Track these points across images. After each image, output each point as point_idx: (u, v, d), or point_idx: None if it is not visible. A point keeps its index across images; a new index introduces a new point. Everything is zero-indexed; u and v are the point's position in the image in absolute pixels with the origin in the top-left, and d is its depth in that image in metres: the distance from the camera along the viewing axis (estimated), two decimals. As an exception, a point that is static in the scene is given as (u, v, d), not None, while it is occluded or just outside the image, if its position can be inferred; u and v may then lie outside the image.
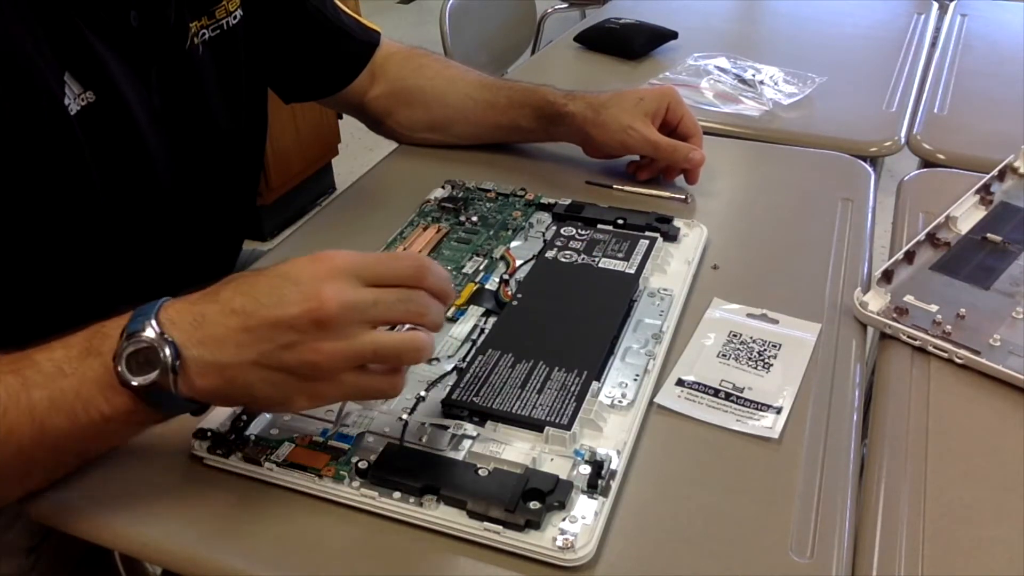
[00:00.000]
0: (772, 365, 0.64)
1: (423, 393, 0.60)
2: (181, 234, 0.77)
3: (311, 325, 0.47)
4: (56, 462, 0.51)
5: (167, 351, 0.47)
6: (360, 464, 0.53)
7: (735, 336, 0.67)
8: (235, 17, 0.77)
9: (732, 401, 0.60)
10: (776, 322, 0.68)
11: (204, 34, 0.74)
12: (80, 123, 0.63)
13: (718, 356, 0.65)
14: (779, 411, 0.59)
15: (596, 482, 0.52)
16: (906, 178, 0.92)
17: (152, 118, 0.70)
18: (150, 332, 0.47)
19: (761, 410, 0.60)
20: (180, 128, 0.73)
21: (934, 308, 0.68)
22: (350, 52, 0.91)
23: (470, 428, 0.57)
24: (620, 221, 0.79)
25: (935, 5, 1.45)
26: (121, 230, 0.70)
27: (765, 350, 0.65)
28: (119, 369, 0.47)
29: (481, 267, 0.74)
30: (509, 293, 0.70)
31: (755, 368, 0.63)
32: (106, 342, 0.49)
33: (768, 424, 0.58)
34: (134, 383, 0.47)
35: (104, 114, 0.65)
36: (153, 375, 0.47)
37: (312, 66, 0.89)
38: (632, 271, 0.72)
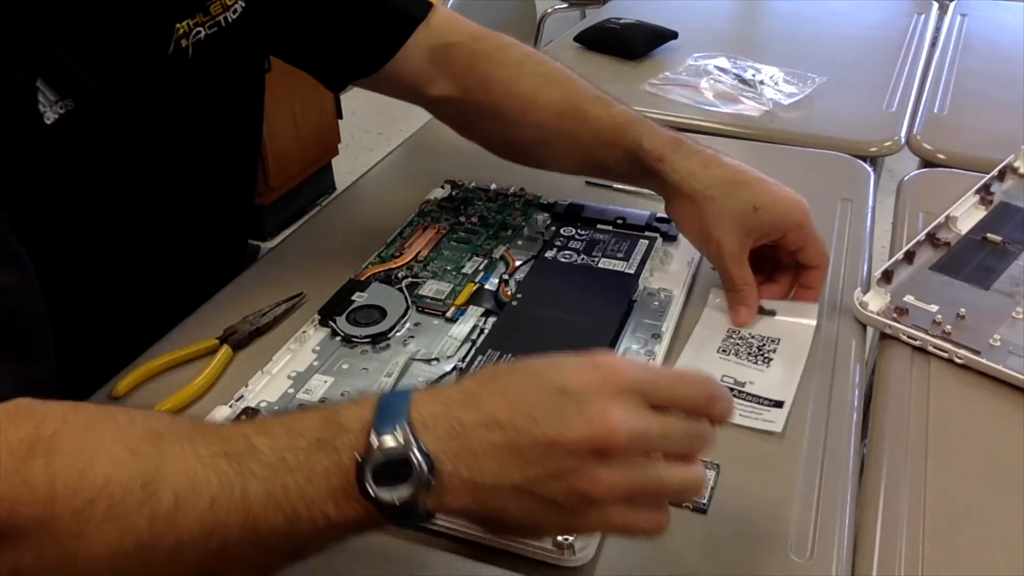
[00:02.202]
0: (772, 359, 0.64)
1: (423, 393, 0.60)
2: (176, 237, 0.75)
3: (592, 453, 0.39)
4: (264, 564, 0.43)
5: (424, 465, 0.39)
6: (360, 464, 0.53)
7: (734, 332, 0.67)
8: (235, 11, 0.71)
9: (735, 396, 0.60)
10: (773, 313, 0.68)
11: (199, 33, 0.69)
12: (59, 132, 0.61)
13: (718, 352, 0.65)
14: (781, 405, 0.59)
15: (596, 482, 0.52)
16: (906, 178, 0.92)
17: (132, 126, 0.67)
18: (402, 439, 0.39)
19: (764, 405, 0.60)
20: (164, 134, 0.70)
21: (934, 308, 0.68)
22: (380, 25, 0.77)
23: (470, 428, 0.57)
24: (620, 221, 0.79)
25: (935, 5, 1.45)
26: (111, 238, 0.68)
27: (764, 345, 0.65)
28: (366, 480, 0.39)
29: (481, 267, 0.74)
30: (509, 293, 0.70)
31: (755, 363, 0.63)
32: (343, 436, 0.41)
33: (772, 419, 0.58)
34: (382, 497, 0.39)
35: (83, 123, 0.62)
36: (406, 493, 0.39)
37: (336, 43, 0.77)
38: (632, 271, 0.72)
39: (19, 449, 0.40)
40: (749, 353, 0.64)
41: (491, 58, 0.79)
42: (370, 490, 0.39)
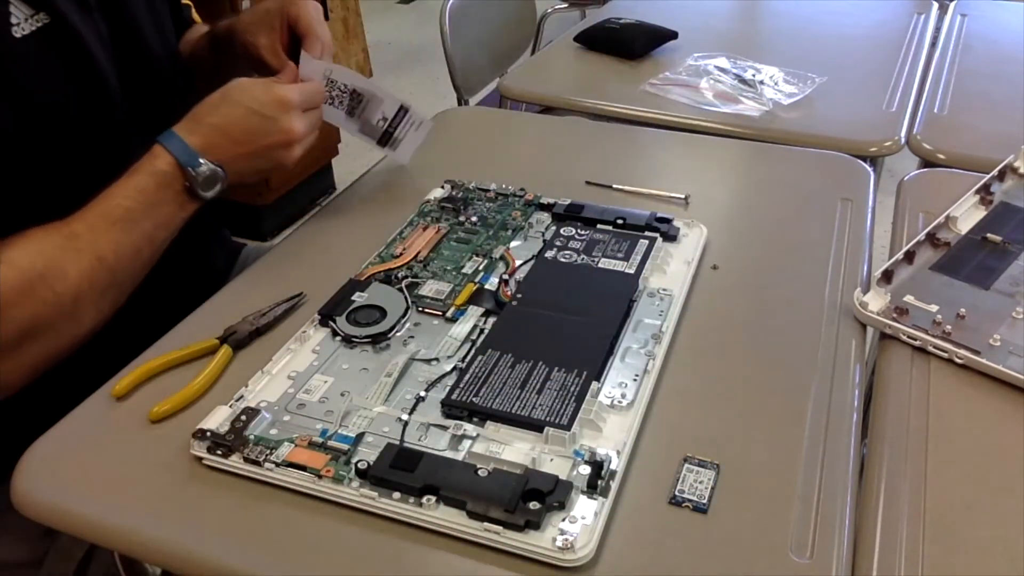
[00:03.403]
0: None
1: (423, 393, 0.60)
2: (136, 156, 0.78)
3: (284, 144, 0.74)
4: (154, 237, 0.70)
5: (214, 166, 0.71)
6: (360, 464, 0.53)
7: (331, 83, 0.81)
8: None
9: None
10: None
11: None
12: (35, 43, 0.67)
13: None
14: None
15: (596, 482, 0.52)
16: (906, 178, 0.92)
17: (99, 41, 0.73)
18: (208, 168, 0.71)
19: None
20: (122, 52, 0.76)
21: (934, 308, 0.68)
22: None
23: (470, 428, 0.57)
24: (620, 221, 0.79)
25: (935, 5, 1.45)
26: (81, 152, 0.73)
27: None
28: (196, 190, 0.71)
29: (481, 267, 0.74)
30: (509, 293, 0.70)
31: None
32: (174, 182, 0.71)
33: None
34: (204, 194, 0.72)
35: (58, 35, 0.68)
36: (212, 182, 0.72)
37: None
38: (632, 271, 0.72)
39: (21, 282, 0.62)
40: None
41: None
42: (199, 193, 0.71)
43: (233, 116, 0.72)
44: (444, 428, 0.57)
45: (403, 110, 0.87)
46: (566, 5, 2.32)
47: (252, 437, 0.56)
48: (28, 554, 0.76)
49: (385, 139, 0.88)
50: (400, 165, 0.91)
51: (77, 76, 0.71)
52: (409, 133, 0.89)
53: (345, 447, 0.55)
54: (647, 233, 0.78)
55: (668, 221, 0.79)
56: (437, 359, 0.64)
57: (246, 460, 0.55)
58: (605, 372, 0.62)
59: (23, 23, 0.66)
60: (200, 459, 0.56)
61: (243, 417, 0.58)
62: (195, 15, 0.99)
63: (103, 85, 0.74)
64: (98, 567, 0.77)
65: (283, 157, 0.75)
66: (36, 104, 0.68)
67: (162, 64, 0.83)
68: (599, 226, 0.79)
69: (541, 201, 0.83)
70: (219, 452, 0.55)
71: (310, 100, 0.76)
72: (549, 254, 0.75)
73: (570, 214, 0.81)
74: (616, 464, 0.54)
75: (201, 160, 0.70)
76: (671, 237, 0.77)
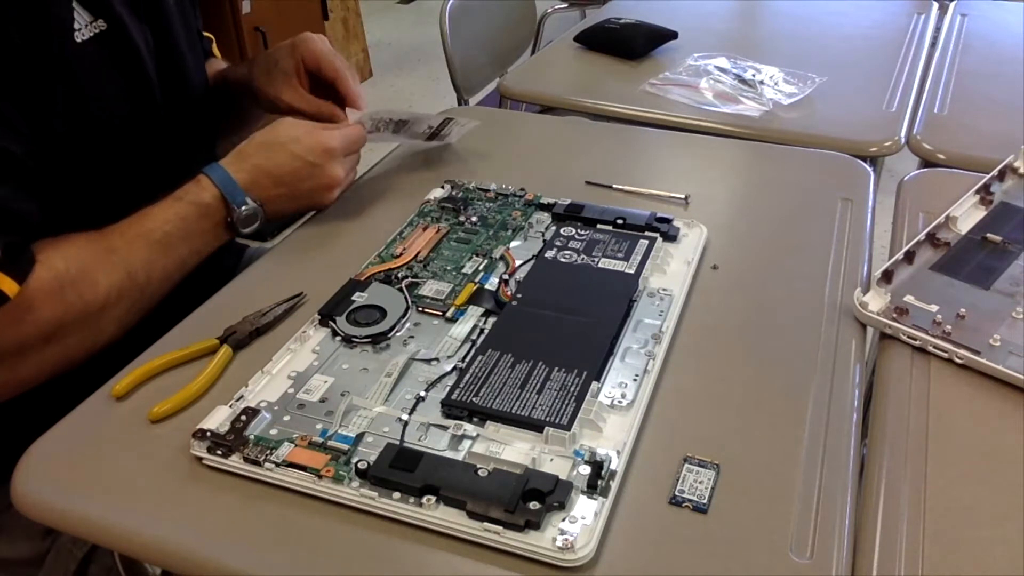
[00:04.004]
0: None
1: (423, 393, 0.60)
2: (171, 163, 0.80)
3: (326, 187, 0.81)
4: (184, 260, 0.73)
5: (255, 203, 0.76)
6: (360, 464, 0.53)
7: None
8: None
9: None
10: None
11: None
12: (94, 48, 0.69)
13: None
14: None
15: (596, 482, 0.52)
16: (906, 178, 0.92)
17: (148, 51, 0.75)
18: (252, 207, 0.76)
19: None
20: (163, 62, 0.78)
21: (934, 308, 0.68)
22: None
23: (470, 428, 0.57)
24: (620, 221, 0.79)
25: (935, 5, 1.45)
26: (125, 156, 0.75)
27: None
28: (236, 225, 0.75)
29: (481, 267, 0.74)
30: (509, 293, 0.70)
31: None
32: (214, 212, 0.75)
33: None
34: (244, 231, 0.76)
35: (114, 41, 0.70)
36: (254, 220, 0.77)
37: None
38: (632, 271, 0.72)
39: (53, 284, 0.64)
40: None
41: None
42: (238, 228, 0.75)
43: (278, 160, 0.76)
44: (444, 428, 0.57)
45: (447, 120, 0.90)
46: (566, 5, 2.32)
47: (252, 437, 0.56)
48: (30, 552, 0.76)
49: (432, 137, 0.92)
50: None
51: (128, 81, 0.73)
52: (455, 129, 0.92)
53: (345, 447, 0.55)
54: (647, 233, 0.78)
55: (668, 221, 0.79)
56: (437, 359, 0.64)
57: (246, 460, 0.55)
58: (605, 372, 0.62)
59: (84, 28, 0.68)
60: (200, 459, 0.56)
61: (243, 417, 0.58)
62: (215, 49, 1.01)
63: (150, 91, 0.76)
64: (99, 566, 0.77)
65: (322, 199, 0.81)
66: (90, 107, 0.70)
67: (195, 78, 0.85)
68: (599, 226, 0.79)
69: (541, 201, 0.83)
70: (219, 452, 0.55)
71: (351, 146, 0.81)
72: (549, 254, 0.75)
73: (570, 214, 0.81)
74: (616, 464, 0.54)
75: (246, 199, 0.74)
76: (671, 237, 0.77)
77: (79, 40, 0.68)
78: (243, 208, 0.74)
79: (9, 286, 0.61)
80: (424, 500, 0.51)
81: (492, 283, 0.72)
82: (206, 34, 0.99)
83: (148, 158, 0.78)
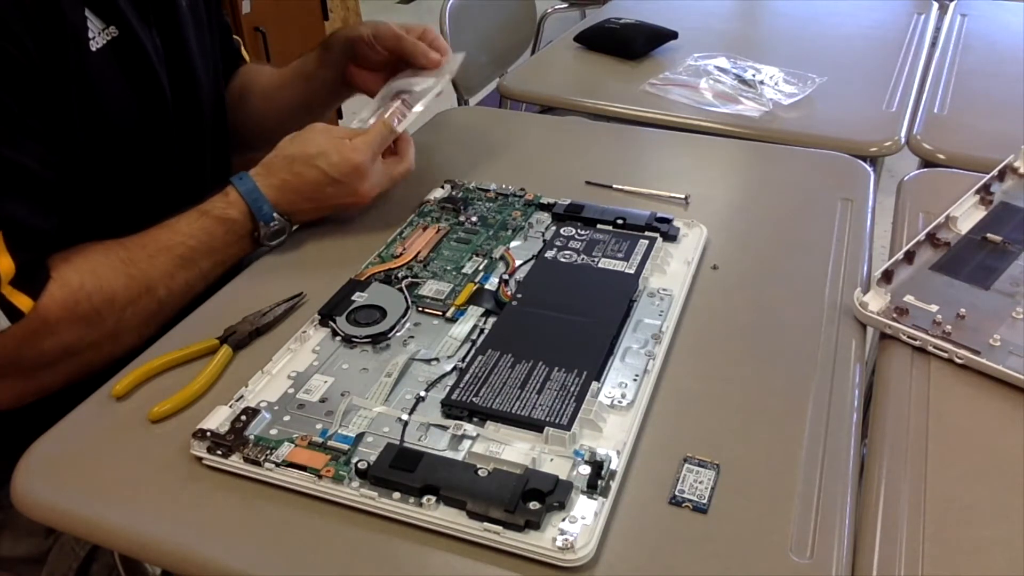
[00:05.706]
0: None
1: (423, 393, 0.60)
2: (183, 169, 0.81)
3: (355, 203, 0.80)
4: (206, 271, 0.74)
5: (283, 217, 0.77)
6: (360, 464, 0.53)
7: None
8: None
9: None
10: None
11: None
12: (108, 56, 0.68)
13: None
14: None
15: (596, 482, 0.52)
16: (906, 178, 0.92)
17: (158, 57, 0.75)
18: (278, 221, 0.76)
19: None
20: (172, 69, 0.78)
21: (934, 308, 0.68)
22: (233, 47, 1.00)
23: (470, 428, 0.57)
24: (620, 221, 0.79)
25: (935, 5, 1.45)
26: (137, 162, 0.75)
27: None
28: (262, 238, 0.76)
29: (481, 267, 0.74)
30: (509, 293, 0.70)
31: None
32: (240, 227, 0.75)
33: None
34: (270, 243, 0.77)
35: (126, 48, 0.70)
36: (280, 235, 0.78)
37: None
38: (632, 271, 0.72)
39: (69, 302, 0.64)
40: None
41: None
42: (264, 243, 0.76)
43: (307, 176, 0.75)
44: (444, 428, 0.57)
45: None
46: (566, 5, 2.32)
47: (252, 437, 0.56)
48: (32, 550, 0.76)
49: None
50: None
51: (139, 88, 0.73)
52: (449, 67, 0.90)
53: (345, 447, 0.55)
54: (647, 233, 0.78)
55: (668, 221, 0.79)
56: (437, 359, 0.64)
57: (246, 460, 0.55)
58: (605, 372, 0.62)
59: (97, 36, 0.68)
60: (200, 459, 0.56)
61: (243, 417, 0.57)
62: (245, 53, 1.02)
63: (162, 98, 0.76)
64: (101, 565, 0.77)
65: (349, 212, 0.81)
66: (105, 114, 0.70)
67: (205, 85, 0.84)
68: (599, 226, 0.79)
69: (541, 201, 0.83)
70: (219, 452, 0.55)
71: (379, 150, 0.79)
72: (549, 254, 0.75)
73: (570, 214, 0.81)
74: (616, 464, 0.54)
75: (274, 214, 0.75)
76: (671, 237, 0.77)
77: (94, 48, 0.67)
78: (272, 224, 0.75)
79: (24, 302, 0.62)
80: (424, 500, 0.51)
81: (492, 283, 0.72)
82: (235, 36, 1.00)
83: (160, 164, 0.77)
